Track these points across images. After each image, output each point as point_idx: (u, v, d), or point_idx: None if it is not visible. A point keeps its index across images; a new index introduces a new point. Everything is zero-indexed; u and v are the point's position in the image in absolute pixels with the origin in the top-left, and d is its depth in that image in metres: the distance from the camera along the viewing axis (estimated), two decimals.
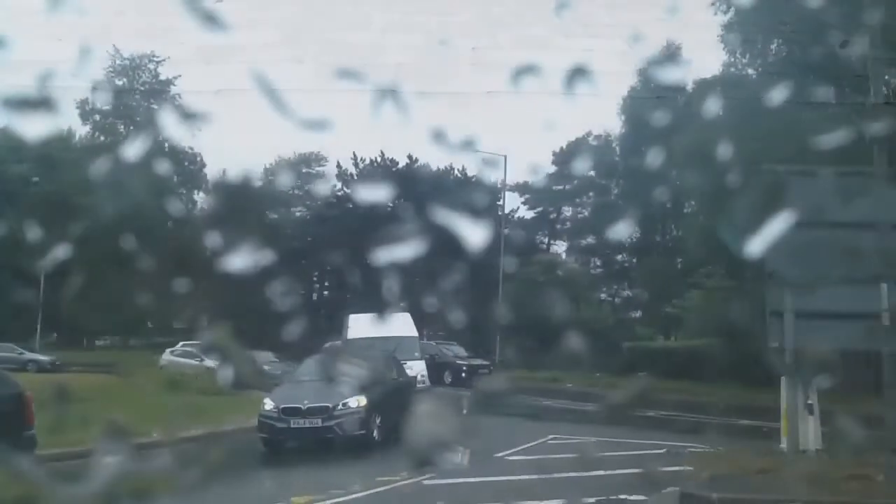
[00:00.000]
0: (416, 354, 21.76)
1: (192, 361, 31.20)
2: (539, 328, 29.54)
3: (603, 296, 48.01)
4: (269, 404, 13.95)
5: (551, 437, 14.92)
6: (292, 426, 13.44)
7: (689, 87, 42.77)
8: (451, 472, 10.04)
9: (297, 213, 56.98)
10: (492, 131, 53.76)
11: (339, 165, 52.76)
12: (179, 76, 50.10)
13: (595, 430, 15.61)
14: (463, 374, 29.91)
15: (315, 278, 56.72)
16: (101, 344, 49.28)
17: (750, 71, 28.51)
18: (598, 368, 26.88)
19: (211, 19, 1.78)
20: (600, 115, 51.60)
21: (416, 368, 20.43)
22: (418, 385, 19.77)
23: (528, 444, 13.99)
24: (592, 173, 50.59)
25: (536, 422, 20.29)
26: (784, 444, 10.78)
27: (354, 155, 52.36)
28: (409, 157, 50.34)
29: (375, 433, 13.79)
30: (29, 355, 35.85)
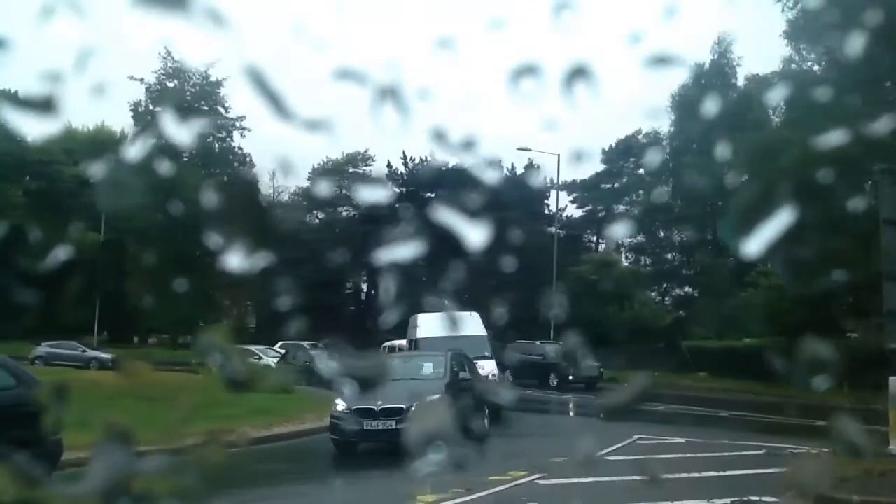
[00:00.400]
0: (487, 353, 21.06)
1: (252, 359, 31.53)
2: (594, 327, 29.42)
3: (653, 294, 47.58)
4: (340, 405, 13.34)
5: (637, 437, 14.49)
6: (365, 428, 12.81)
7: (742, 83, 42.64)
8: (560, 472, 10.30)
9: (344, 213, 57.35)
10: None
11: (389, 165, 52.88)
12: (228, 78, 50.69)
13: (678, 430, 15.58)
14: (570, 377, 28.29)
15: (364, 277, 57.01)
16: (151, 342, 50.01)
17: (814, 67, 28.03)
18: (656, 368, 26.74)
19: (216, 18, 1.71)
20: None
21: (488, 368, 19.98)
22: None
23: (619, 445, 13.49)
24: (642, 171, 50.11)
25: (609, 421, 20.15)
26: (894, 447, 10.43)
27: (404, 154, 52.53)
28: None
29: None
30: (91, 353, 36.48)
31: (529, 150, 40.50)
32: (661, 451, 13.26)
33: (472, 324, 21.67)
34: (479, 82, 57.12)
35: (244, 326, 51.13)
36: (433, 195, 50.09)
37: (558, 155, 41.07)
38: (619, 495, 9.17)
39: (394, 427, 12.38)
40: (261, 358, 31.72)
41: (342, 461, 13.14)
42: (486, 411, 15.32)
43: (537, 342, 31.14)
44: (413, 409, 12.15)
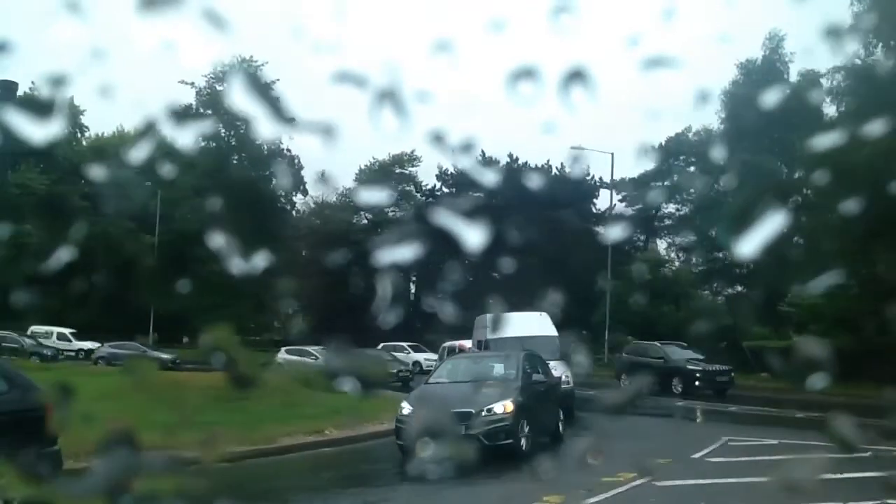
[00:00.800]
0: (557, 354, 20.38)
1: (308, 360, 31.63)
2: (651, 327, 28.91)
3: (706, 293, 46.79)
4: (406, 408, 12.76)
5: (726, 439, 14.25)
6: None
7: (795, 78, 41.65)
8: (669, 473, 10.33)
9: (391, 214, 57.44)
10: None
11: (439, 166, 52.81)
12: (278, 80, 51.06)
13: (765, 431, 15.32)
14: (697, 383, 26.09)
15: (414, 278, 57.05)
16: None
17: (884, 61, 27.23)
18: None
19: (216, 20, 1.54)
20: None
21: (560, 369, 19.29)
22: (563, 386, 18.91)
23: (712, 447, 13.36)
24: (692, 169, 49.37)
25: (690, 422, 20.27)
26: None
27: (452, 152, 52.46)
28: (510, 155, 50.06)
29: (523, 443, 12.57)
30: (152, 353, 36.97)
31: (583, 148, 40.25)
32: (757, 452, 12.84)
33: (542, 324, 21.06)
34: (477, 84, 57.12)
35: (293, 327, 51.48)
36: (480, 195, 49.99)
37: (612, 154, 40.75)
38: (744, 497, 9.11)
39: (462, 433, 11.72)
40: (317, 358, 31.80)
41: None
42: (561, 415, 14.94)
43: (657, 343, 28.73)
44: (483, 413, 12.19)
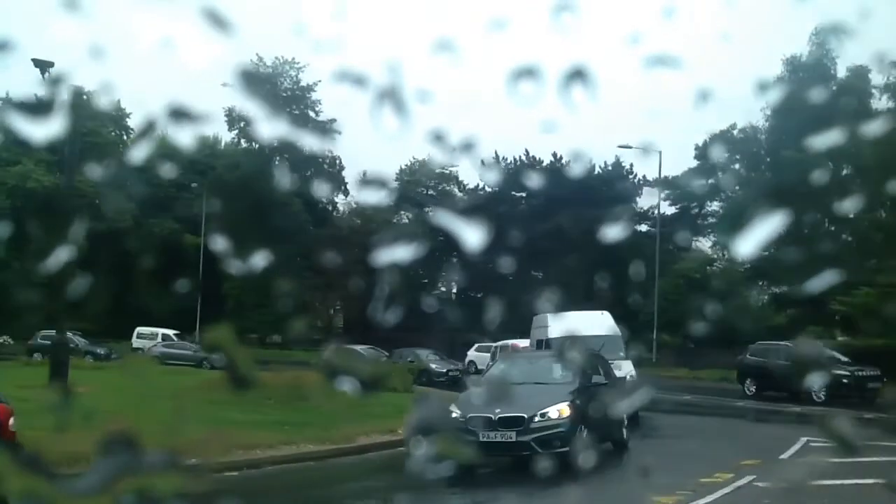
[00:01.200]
0: (622, 354, 19.78)
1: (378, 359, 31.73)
2: (700, 326, 28.31)
3: (755, 293, 46.00)
4: (455, 412, 11.76)
5: (805, 440, 13.69)
6: (481, 440, 11.14)
7: (843, 74, 40.75)
8: (764, 474, 10.23)
9: (431, 214, 57.43)
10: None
11: (483, 163, 52.60)
12: (319, 81, 51.42)
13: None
14: (843, 389, 23.01)
15: (455, 277, 57.00)
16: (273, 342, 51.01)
17: None
18: None
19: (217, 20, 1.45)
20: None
21: (625, 368, 18.82)
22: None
23: (795, 448, 13.09)
24: (737, 166, 48.59)
25: (758, 423, 19.95)
26: None
27: (496, 154, 52.26)
28: (554, 154, 49.74)
29: (580, 450, 11.31)
30: (204, 353, 37.34)
31: (630, 146, 40.01)
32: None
33: (604, 323, 20.38)
34: (479, 83, 56.77)
35: (333, 326, 51.83)
36: (524, 195, 49.83)
37: (660, 152, 40.41)
38: (855, 499, 8.96)
39: (514, 440, 11.23)
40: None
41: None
42: (625, 419, 13.78)
43: (787, 343, 25.70)
44: (536, 418, 11.31)
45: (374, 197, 54.87)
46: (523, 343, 24.80)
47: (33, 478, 1.45)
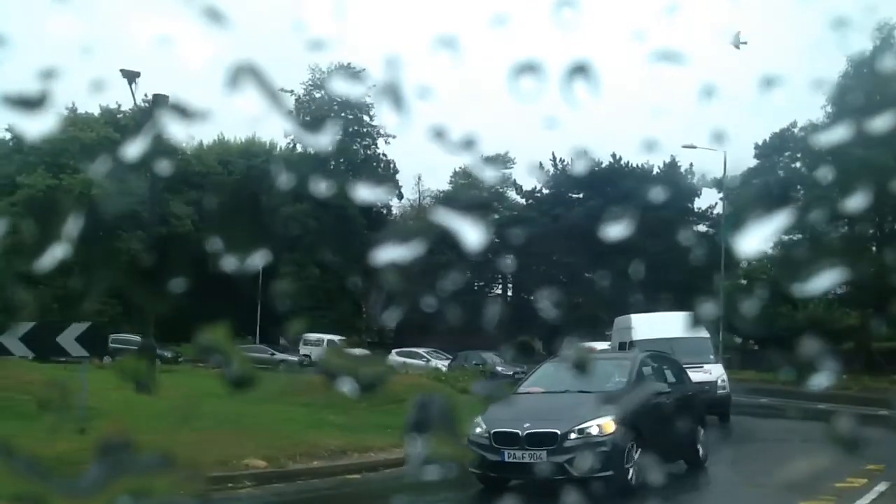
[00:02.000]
0: (711, 357, 18.88)
1: (419, 362, 31.90)
2: (769, 328, 27.64)
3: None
4: (479, 426, 9.69)
5: None
6: (506, 460, 9.30)
7: None
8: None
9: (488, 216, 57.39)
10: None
11: (541, 166, 52.41)
12: (374, 86, 51.67)
13: None
14: None
15: (507, 281, 56.86)
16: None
17: None
18: (844, 370, 25.12)
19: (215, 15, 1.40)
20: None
21: (715, 372, 18.06)
22: (719, 391, 17.74)
23: None
24: (798, 165, 47.55)
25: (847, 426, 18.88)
26: None
27: (553, 156, 52.01)
28: (613, 155, 49.33)
29: (632, 473, 9.39)
30: (280, 356, 37.76)
31: (694, 146, 39.49)
32: None
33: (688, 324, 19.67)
34: (482, 79, 56.38)
35: (382, 329, 52.16)
36: (581, 196, 49.49)
37: (724, 151, 39.76)
38: None
39: (544, 460, 9.18)
40: (428, 360, 32.10)
41: None
42: (701, 433, 11.97)
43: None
44: (572, 435, 9.33)
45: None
46: (602, 346, 23.72)
47: (29, 481, 1.45)
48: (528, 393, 10.98)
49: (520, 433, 9.33)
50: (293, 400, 16.75)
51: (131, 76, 16.45)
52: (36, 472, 1.50)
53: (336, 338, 40.81)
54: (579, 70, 2.01)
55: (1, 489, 1.49)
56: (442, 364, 32.22)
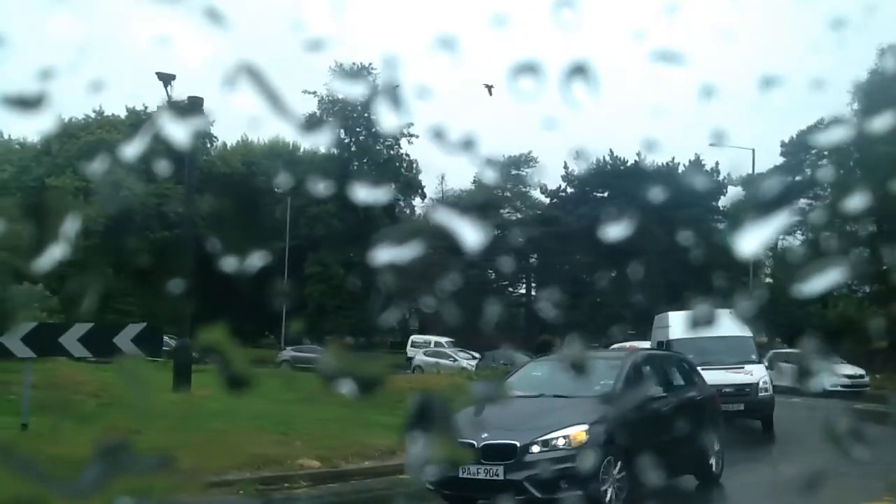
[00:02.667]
0: (753, 357, 17.76)
1: (447, 361, 31.84)
2: (798, 328, 27.31)
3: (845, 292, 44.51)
4: None
5: None
6: (461, 476, 7.85)
7: None
8: None
9: (506, 215, 57.35)
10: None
11: (565, 166, 52.19)
12: (398, 86, 51.73)
13: None
14: None
15: (530, 280, 56.71)
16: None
17: None
18: (878, 369, 25.02)
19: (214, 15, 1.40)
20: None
21: (757, 373, 17.11)
22: (760, 394, 16.88)
23: None
24: (825, 162, 47.08)
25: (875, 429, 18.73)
26: None
27: (577, 154, 51.78)
28: (638, 154, 49.14)
29: (610, 494, 8.12)
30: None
31: (723, 145, 39.20)
32: None
33: (732, 323, 18.04)
34: (481, 79, 56.24)
35: (408, 328, 52.20)
36: (605, 195, 49.30)
37: (753, 150, 39.47)
38: None
39: (500, 476, 7.95)
40: (455, 360, 32.05)
41: None
42: (716, 444, 10.58)
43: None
44: (533, 448, 8.08)
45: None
46: (644, 345, 22.85)
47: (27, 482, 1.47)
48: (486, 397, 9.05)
49: (475, 445, 7.60)
50: (331, 399, 16.77)
51: (167, 79, 16.59)
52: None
53: (444, 339, 40.47)
54: (579, 70, 2.03)
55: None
56: (469, 363, 32.06)
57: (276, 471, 10.17)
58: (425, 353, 35.17)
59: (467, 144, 2.05)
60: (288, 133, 53.93)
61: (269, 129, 52.38)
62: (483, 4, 36.66)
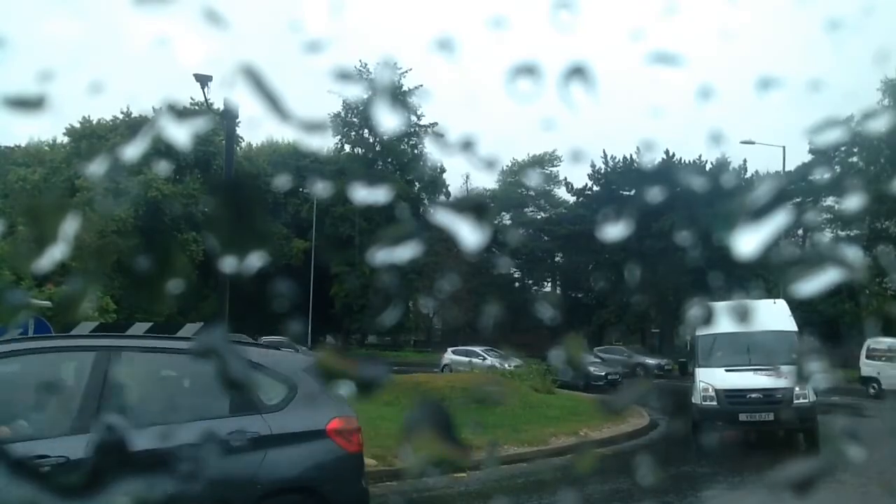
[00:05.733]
0: (794, 356, 14.21)
1: (476, 360, 31.74)
2: (835, 326, 27.05)
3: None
4: None
5: None
6: None
7: None
8: None
9: (530, 214, 57.24)
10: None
11: (592, 165, 51.87)
12: (421, 86, 51.86)
13: None
14: None
15: (556, 279, 56.57)
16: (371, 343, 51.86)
17: None
18: None
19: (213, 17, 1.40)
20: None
21: (790, 378, 13.79)
22: (797, 401, 14.27)
23: None
24: (855, 159, 46.60)
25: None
26: None
27: (604, 153, 51.52)
28: (666, 152, 48.80)
29: None
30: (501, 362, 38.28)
31: (753, 142, 38.90)
32: None
33: (777, 315, 14.91)
34: (481, 80, 56.33)
35: (433, 329, 52.27)
36: (632, 193, 48.98)
37: (783, 147, 39.20)
38: None
39: None
40: (485, 359, 31.96)
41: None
42: None
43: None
44: None
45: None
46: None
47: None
48: None
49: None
50: (372, 399, 16.83)
51: (204, 80, 16.70)
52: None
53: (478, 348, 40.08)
54: (577, 72, 2.08)
55: None
56: (499, 362, 31.88)
57: None
58: (454, 352, 35.07)
59: (466, 145, 2.06)
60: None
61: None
62: (481, 7, 36.74)
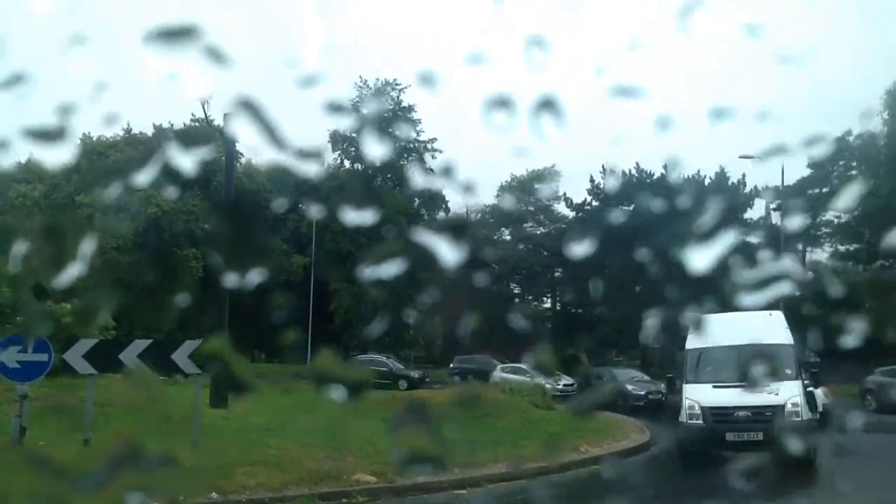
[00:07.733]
0: (789, 371, 13.95)
1: (524, 378, 31.58)
2: (828, 338, 27.01)
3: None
4: None
5: None
6: None
7: None
8: None
9: (529, 229, 57.24)
10: None
11: (591, 179, 51.99)
12: (419, 103, 52.12)
13: None
14: None
15: (555, 294, 56.53)
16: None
17: None
18: None
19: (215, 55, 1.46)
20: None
21: (785, 393, 13.48)
22: (791, 418, 13.55)
23: None
24: (854, 173, 46.68)
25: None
26: None
27: (603, 168, 51.60)
28: (665, 166, 48.95)
29: None
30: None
31: (752, 157, 39.06)
32: None
33: (771, 327, 14.45)
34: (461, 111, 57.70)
35: (430, 342, 52.25)
36: (631, 207, 49.08)
37: (782, 162, 39.30)
38: None
39: None
40: (532, 376, 31.99)
41: None
42: None
43: None
44: None
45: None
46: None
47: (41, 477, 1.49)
48: None
49: None
50: (370, 415, 16.82)
51: (205, 99, 16.93)
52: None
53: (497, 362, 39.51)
54: (547, 104, 2.20)
55: None
56: (549, 381, 31.68)
57: (334, 486, 10.38)
58: (503, 370, 35.28)
59: (446, 171, 2.13)
60: (312, 145, 54.36)
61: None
62: (462, 43, 37.30)
